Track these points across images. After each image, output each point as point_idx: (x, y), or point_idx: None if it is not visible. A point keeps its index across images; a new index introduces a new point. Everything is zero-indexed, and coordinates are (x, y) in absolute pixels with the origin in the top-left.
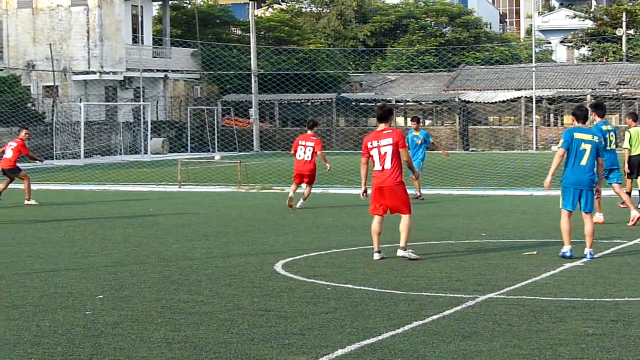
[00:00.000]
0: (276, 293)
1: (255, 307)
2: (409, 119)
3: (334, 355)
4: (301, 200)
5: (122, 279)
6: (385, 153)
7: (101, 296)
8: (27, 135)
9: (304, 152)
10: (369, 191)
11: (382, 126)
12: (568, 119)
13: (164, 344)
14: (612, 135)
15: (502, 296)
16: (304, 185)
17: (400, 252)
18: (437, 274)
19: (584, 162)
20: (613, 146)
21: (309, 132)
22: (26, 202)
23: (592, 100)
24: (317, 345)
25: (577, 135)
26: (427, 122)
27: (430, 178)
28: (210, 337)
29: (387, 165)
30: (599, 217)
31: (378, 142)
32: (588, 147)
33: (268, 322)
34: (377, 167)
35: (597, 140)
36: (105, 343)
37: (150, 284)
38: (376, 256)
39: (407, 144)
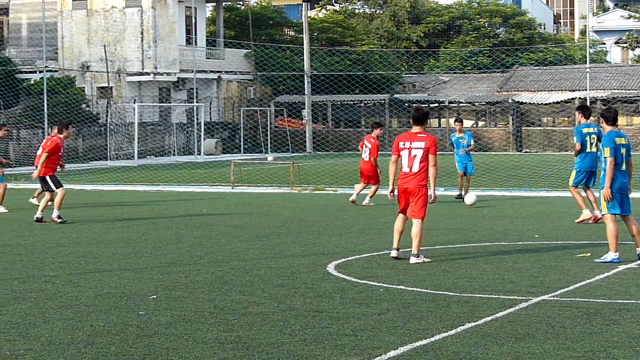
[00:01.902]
0: (329, 294)
1: (307, 308)
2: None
3: (387, 356)
4: (367, 199)
5: (175, 280)
6: (415, 156)
7: (154, 296)
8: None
9: (364, 152)
10: (396, 191)
11: (417, 129)
12: (622, 120)
13: (217, 344)
14: (593, 138)
15: (555, 298)
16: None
17: (413, 260)
18: (490, 275)
19: (623, 166)
20: (594, 149)
21: (372, 133)
22: (31, 199)
23: None
24: (370, 347)
25: (617, 141)
26: (480, 123)
27: (483, 179)
28: (263, 338)
29: (415, 168)
30: (586, 213)
31: (411, 143)
32: (624, 150)
33: (320, 323)
34: (405, 168)
35: (628, 143)
36: (158, 343)
37: (203, 285)
38: (393, 253)
39: (452, 147)
